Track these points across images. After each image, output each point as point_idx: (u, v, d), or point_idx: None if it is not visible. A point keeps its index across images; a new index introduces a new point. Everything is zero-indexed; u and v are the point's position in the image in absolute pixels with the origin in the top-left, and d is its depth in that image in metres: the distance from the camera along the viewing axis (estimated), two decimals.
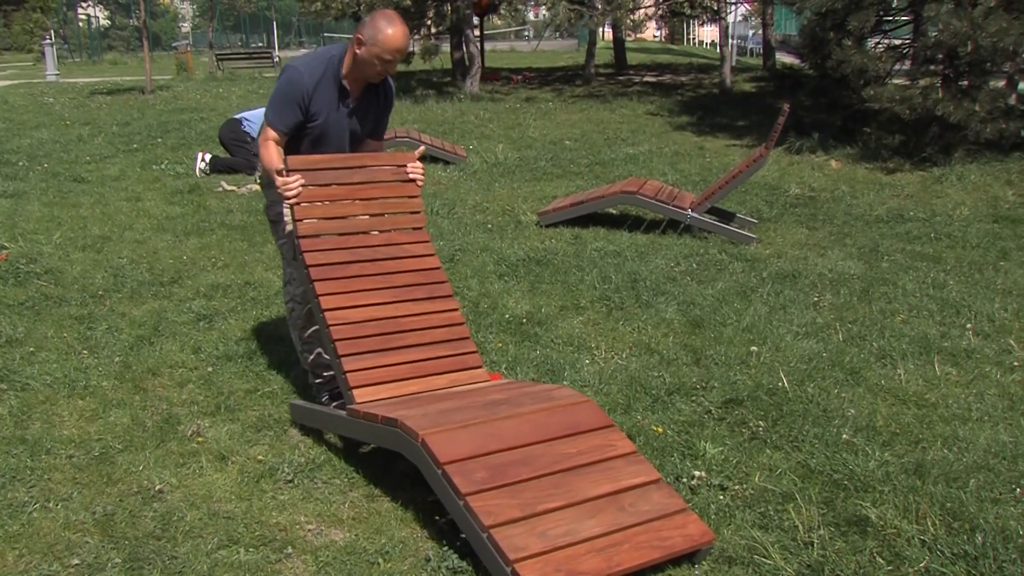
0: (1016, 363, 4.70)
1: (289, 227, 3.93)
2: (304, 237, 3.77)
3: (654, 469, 3.23)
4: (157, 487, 3.47)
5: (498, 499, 2.93)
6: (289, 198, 3.75)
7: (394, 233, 3.95)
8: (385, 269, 3.85)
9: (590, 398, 3.48)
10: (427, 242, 4.01)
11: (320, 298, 3.68)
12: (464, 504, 2.91)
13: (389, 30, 3.74)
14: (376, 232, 3.94)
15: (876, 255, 6.79)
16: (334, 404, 3.98)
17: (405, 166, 4.00)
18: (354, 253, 3.83)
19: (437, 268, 3.97)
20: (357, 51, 3.80)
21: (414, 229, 4.01)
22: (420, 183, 4.03)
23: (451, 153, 10.68)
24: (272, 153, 3.87)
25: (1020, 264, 6.53)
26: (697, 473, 3.53)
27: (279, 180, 3.74)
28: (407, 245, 3.95)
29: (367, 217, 3.95)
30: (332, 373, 4.05)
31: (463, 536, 3.00)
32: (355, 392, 3.55)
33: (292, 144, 3.98)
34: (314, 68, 3.86)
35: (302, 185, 3.76)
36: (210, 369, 4.60)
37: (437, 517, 3.24)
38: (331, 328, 3.63)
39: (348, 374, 3.57)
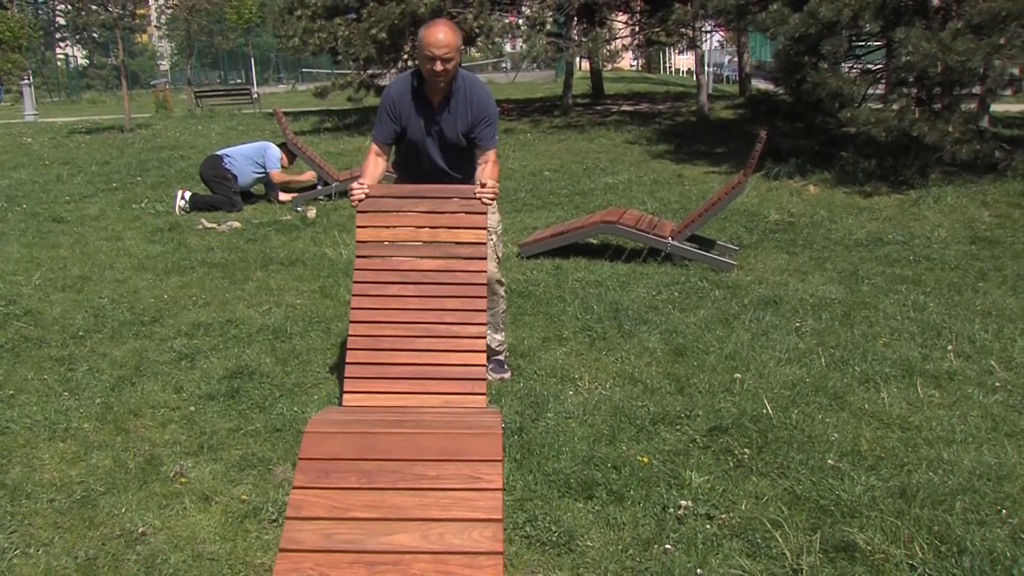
0: (998, 384, 4.72)
1: None
2: (360, 256, 4.05)
3: (500, 510, 3.05)
4: (140, 529, 3.43)
5: (317, 497, 2.99)
6: (352, 201, 4.11)
7: (450, 260, 4.05)
8: (426, 292, 3.99)
9: (500, 432, 3.30)
10: (482, 272, 4.05)
11: (352, 311, 3.92)
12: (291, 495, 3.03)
13: (425, 29, 4.17)
14: (431, 257, 4.07)
15: (856, 279, 6.83)
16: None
17: (474, 198, 4.14)
18: (400, 275, 4.01)
19: (481, 297, 3.99)
20: (418, 60, 4.26)
21: (472, 259, 4.07)
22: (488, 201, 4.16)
23: None
24: (366, 163, 4.43)
25: (998, 285, 6.58)
26: (684, 503, 3.52)
27: (352, 185, 4.14)
28: (459, 273, 4.03)
29: (426, 243, 4.10)
30: (496, 348, 4.80)
31: None
32: (344, 396, 3.73)
33: (398, 153, 4.58)
34: (400, 83, 4.43)
35: (367, 195, 4.09)
36: (192, 408, 4.57)
37: None
38: (350, 337, 3.85)
39: (346, 379, 3.76)
